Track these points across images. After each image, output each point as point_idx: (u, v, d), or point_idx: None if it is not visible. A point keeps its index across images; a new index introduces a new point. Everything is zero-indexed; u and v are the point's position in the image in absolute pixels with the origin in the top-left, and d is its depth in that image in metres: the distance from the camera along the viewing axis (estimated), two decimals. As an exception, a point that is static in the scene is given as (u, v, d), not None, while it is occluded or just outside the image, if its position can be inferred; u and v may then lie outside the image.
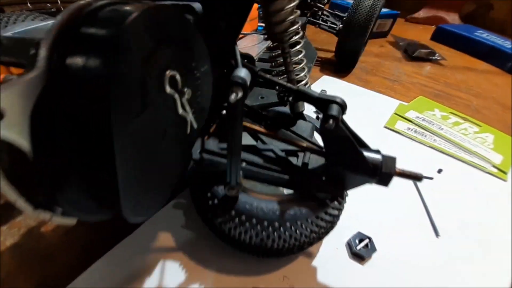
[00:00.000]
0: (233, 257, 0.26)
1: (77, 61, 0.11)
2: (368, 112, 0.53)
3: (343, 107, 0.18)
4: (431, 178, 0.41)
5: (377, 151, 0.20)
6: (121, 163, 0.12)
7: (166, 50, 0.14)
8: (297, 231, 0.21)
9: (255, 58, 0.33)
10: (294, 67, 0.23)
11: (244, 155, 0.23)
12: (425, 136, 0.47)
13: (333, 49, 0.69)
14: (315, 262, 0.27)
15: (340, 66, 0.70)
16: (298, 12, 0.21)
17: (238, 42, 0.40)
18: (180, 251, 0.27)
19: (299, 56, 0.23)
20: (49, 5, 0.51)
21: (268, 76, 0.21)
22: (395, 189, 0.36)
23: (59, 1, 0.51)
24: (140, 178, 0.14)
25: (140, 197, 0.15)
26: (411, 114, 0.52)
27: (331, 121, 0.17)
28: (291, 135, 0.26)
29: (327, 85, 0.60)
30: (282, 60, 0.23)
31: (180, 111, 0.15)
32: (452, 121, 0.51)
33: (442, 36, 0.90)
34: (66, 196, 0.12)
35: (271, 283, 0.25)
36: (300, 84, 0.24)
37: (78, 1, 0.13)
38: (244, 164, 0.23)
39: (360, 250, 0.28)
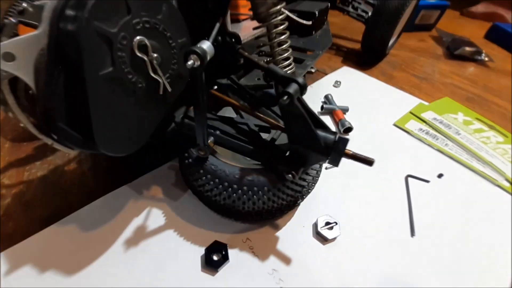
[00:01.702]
0: (206, 214, 0.30)
1: (65, 23, 0.15)
2: (380, 108, 0.51)
3: (302, 87, 0.20)
4: (427, 181, 0.39)
5: (334, 133, 0.21)
6: (93, 104, 0.16)
7: (137, 21, 0.17)
8: (254, 196, 0.24)
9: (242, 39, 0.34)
10: (279, 48, 0.24)
11: (220, 125, 0.26)
12: (437, 139, 0.44)
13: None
14: (279, 233, 0.29)
15: (366, 57, 0.67)
16: (281, -6, 0.23)
17: (244, 23, 0.41)
18: (165, 202, 0.32)
19: (283, 37, 0.24)
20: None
21: (246, 54, 0.23)
22: (385, 187, 0.35)
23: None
24: (112, 120, 0.18)
25: (113, 136, 0.19)
26: (428, 115, 0.49)
27: (285, 97, 0.19)
28: (269, 113, 0.27)
29: (344, 76, 0.59)
30: (268, 40, 0.24)
31: (151, 73, 0.19)
32: (475, 127, 0.47)
33: (496, 35, 0.79)
34: (58, 127, 0.17)
35: (233, 241, 0.28)
36: (283, 65, 0.25)
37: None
38: (218, 132, 0.25)
39: (323, 230, 0.29)
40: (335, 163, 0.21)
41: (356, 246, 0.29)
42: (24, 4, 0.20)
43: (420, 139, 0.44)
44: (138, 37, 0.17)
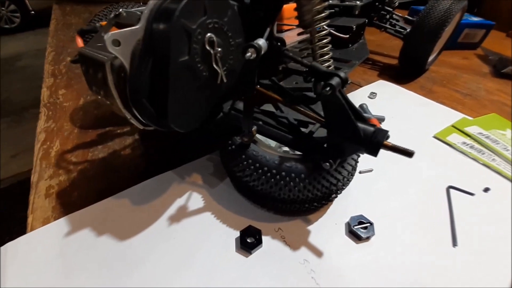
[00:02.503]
0: (240, 202, 0.32)
1: (159, 19, 0.19)
2: (419, 120, 0.50)
3: (344, 80, 0.22)
4: (471, 194, 0.37)
5: (373, 125, 0.22)
6: (172, 85, 0.20)
7: (210, 21, 0.20)
8: (291, 183, 0.25)
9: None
10: (320, 50, 0.27)
11: (262, 117, 0.29)
12: (483, 154, 0.42)
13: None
14: (311, 227, 0.30)
15: (404, 73, 0.66)
16: (326, 3, 0.25)
17: (287, 33, 0.45)
18: (203, 189, 0.34)
19: (324, 41, 0.27)
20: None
21: (290, 54, 0.26)
22: (424, 195, 0.34)
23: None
24: (181, 100, 0.21)
25: (180, 113, 0.22)
26: (473, 130, 0.47)
27: (327, 88, 0.21)
28: (307, 109, 0.29)
29: (379, 88, 0.59)
30: (310, 43, 0.27)
31: (214, 64, 0.22)
32: (527, 145, 0.43)
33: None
34: (141, 102, 0.21)
35: (266, 229, 0.29)
36: (323, 65, 0.27)
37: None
38: (260, 122, 0.28)
39: (357, 229, 0.29)
40: (374, 153, 0.22)
41: (392, 248, 0.28)
42: (121, 10, 0.25)
43: (463, 153, 0.42)
44: (209, 34, 0.21)
